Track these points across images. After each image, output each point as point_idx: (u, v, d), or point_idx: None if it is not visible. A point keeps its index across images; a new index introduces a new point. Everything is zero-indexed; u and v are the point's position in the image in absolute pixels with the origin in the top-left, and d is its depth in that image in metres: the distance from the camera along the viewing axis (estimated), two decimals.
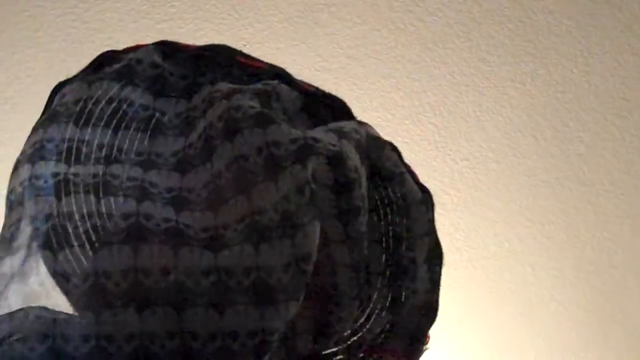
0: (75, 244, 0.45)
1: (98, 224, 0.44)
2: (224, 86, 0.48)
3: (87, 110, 0.48)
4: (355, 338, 0.49)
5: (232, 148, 0.45)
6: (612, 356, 1.66)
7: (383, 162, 0.50)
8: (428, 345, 0.52)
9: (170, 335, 0.42)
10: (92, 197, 0.45)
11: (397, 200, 0.51)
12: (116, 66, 0.50)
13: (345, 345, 0.48)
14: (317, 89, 0.52)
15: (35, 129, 0.50)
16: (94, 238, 0.45)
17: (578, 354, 1.64)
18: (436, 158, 1.33)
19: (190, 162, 0.46)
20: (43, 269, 0.45)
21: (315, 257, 0.44)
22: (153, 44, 0.52)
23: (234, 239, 0.43)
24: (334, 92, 0.52)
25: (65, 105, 0.49)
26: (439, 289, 0.52)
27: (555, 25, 1.19)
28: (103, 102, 0.48)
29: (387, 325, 0.50)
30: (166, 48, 0.52)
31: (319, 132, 0.47)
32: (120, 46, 0.53)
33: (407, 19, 1.16)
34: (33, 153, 0.47)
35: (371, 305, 0.49)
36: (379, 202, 0.51)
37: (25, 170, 0.47)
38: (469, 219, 1.43)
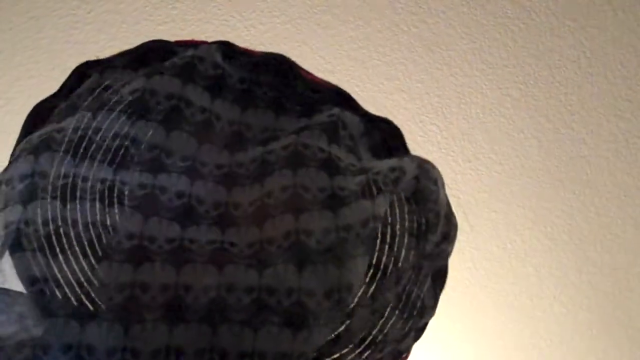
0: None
1: (144, 243, 0.43)
2: (292, 126, 0.47)
3: (145, 104, 0.46)
4: (366, 344, 0.48)
5: (294, 176, 0.44)
6: (615, 358, 1.66)
7: (435, 185, 0.50)
8: None
9: (198, 353, 0.41)
10: (138, 216, 0.43)
11: (452, 231, 0.51)
12: (177, 61, 0.48)
13: (352, 349, 0.48)
14: (369, 112, 0.52)
15: (69, 111, 0.48)
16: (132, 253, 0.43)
17: (581, 355, 1.64)
18: (439, 159, 1.33)
19: (238, 180, 0.45)
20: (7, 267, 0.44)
21: (357, 291, 0.44)
22: (214, 42, 0.51)
23: (279, 257, 0.42)
24: None
25: (118, 93, 0.47)
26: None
27: (558, 27, 1.19)
28: (163, 98, 0.46)
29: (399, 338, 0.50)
30: (227, 49, 0.51)
31: (383, 164, 0.47)
32: (123, 48, 0.52)
33: (410, 21, 1.16)
34: (80, 142, 0.45)
35: (387, 315, 0.49)
36: (423, 225, 0.50)
37: (66, 163, 0.45)
38: (472, 220, 1.43)
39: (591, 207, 1.42)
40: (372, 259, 0.47)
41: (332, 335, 0.46)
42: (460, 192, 1.38)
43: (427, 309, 0.51)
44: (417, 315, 0.50)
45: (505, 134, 1.31)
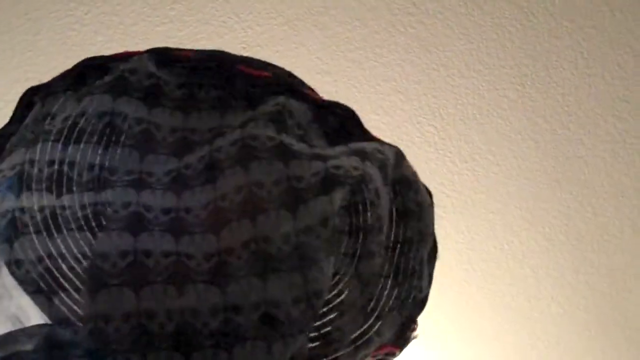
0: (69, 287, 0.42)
1: (93, 264, 0.41)
2: (237, 120, 0.46)
3: (77, 128, 0.45)
4: (362, 341, 0.48)
5: (246, 174, 0.43)
6: (612, 358, 1.66)
7: (403, 173, 0.50)
8: (416, 333, 0.52)
9: None
10: (85, 234, 0.42)
11: (413, 207, 0.50)
12: (107, 78, 0.47)
13: (350, 348, 0.48)
14: (322, 98, 0.51)
15: (15, 146, 0.46)
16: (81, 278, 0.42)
17: (578, 356, 1.64)
18: (436, 160, 1.33)
19: (187, 182, 0.43)
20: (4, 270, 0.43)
21: (327, 294, 0.43)
22: (146, 51, 0.49)
23: (240, 269, 0.41)
24: (333, 95, 0.52)
25: (52, 123, 0.46)
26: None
27: (555, 28, 1.19)
28: (94, 118, 0.45)
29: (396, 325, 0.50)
30: (160, 56, 0.49)
31: (340, 155, 0.46)
32: (120, 49, 0.52)
33: (407, 22, 1.16)
34: (15, 177, 0.44)
35: (380, 307, 0.49)
36: (397, 211, 0.50)
37: (7, 201, 0.44)
38: (469, 221, 1.43)
39: (588, 207, 1.42)
40: (345, 254, 0.47)
41: (324, 338, 0.45)
42: (457, 193, 1.38)
43: (425, 285, 0.51)
44: (420, 295, 0.50)
45: (503, 135, 1.31)
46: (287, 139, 0.46)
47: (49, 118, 0.47)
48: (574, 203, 1.41)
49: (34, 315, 0.43)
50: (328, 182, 0.44)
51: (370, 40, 1.18)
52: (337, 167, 0.45)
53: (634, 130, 1.32)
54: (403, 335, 0.51)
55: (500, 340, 1.60)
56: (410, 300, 0.50)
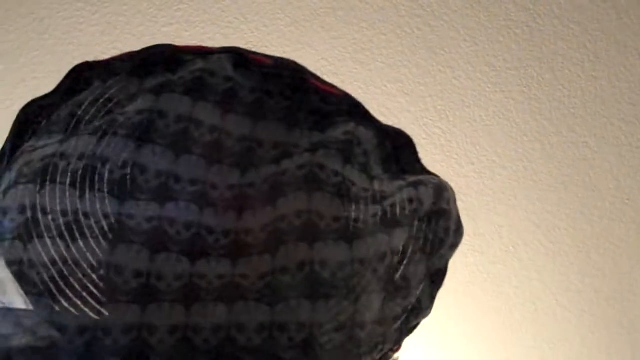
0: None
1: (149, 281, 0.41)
2: (305, 141, 0.45)
3: (153, 126, 0.44)
4: (379, 347, 0.48)
5: (309, 201, 0.43)
6: None
7: (448, 205, 0.49)
8: (398, 354, 0.52)
9: None
10: (145, 252, 0.41)
11: (451, 234, 0.50)
12: (187, 77, 0.46)
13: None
14: (380, 122, 0.51)
15: (62, 120, 0.45)
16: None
17: (583, 359, 1.64)
18: (442, 162, 1.33)
19: (249, 202, 0.43)
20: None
21: (370, 327, 0.43)
22: (223, 50, 0.48)
23: (291, 289, 0.41)
24: None
25: (124, 112, 0.44)
26: None
27: (561, 30, 1.19)
28: (171, 120, 0.44)
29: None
30: (238, 58, 0.48)
31: (396, 193, 0.46)
32: (127, 50, 0.52)
33: (413, 24, 1.16)
34: (84, 173, 0.43)
35: (388, 317, 0.48)
36: (436, 242, 0.50)
37: (69, 197, 0.42)
38: (475, 223, 1.42)
39: (594, 210, 1.42)
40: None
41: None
42: (463, 195, 1.38)
43: (423, 310, 0.50)
44: (413, 316, 0.49)
45: (509, 137, 1.31)
46: (349, 173, 0.45)
47: (114, 104, 0.46)
48: (580, 206, 1.41)
49: (11, 290, 0.42)
50: (386, 223, 0.44)
51: (376, 42, 1.18)
52: (393, 205, 0.45)
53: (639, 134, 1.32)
54: (387, 353, 0.51)
55: (505, 342, 1.60)
56: (415, 309, 0.50)
